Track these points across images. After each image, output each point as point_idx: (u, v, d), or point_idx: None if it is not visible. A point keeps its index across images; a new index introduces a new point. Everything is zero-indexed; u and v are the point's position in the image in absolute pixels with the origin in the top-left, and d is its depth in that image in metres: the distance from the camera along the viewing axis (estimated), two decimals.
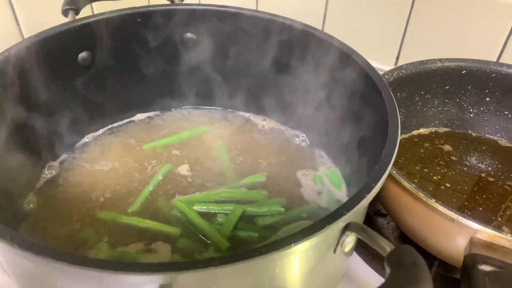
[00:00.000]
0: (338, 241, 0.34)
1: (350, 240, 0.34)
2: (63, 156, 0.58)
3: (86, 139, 0.60)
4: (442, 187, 0.61)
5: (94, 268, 0.26)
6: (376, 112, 0.45)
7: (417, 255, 0.28)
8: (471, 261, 0.40)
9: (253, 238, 0.49)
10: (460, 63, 0.65)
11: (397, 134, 0.38)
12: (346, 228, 0.33)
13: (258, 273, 0.32)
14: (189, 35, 0.60)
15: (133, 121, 0.64)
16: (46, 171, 0.55)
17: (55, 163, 0.57)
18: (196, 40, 0.61)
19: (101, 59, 0.56)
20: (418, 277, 0.26)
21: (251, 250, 0.28)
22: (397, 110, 0.41)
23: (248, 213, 0.51)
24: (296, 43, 0.55)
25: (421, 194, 0.44)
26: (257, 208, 0.52)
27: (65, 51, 0.53)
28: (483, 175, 0.63)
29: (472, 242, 0.42)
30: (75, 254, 0.27)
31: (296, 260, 0.33)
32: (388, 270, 0.28)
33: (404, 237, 0.55)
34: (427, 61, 0.65)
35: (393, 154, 0.36)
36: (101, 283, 0.29)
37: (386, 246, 0.30)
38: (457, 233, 0.44)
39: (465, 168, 0.64)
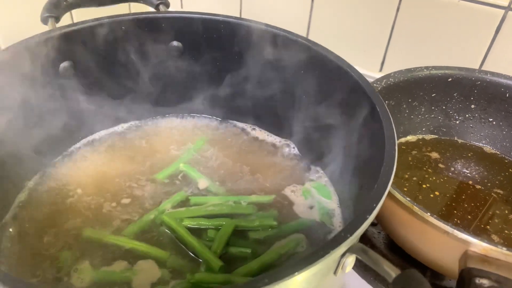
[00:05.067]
0: (339, 263, 0.33)
1: (350, 261, 0.33)
2: (42, 172, 0.55)
3: (66, 152, 0.58)
4: (431, 195, 0.61)
5: None
6: (370, 125, 0.44)
7: (423, 280, 0.28)
8: (467, 275, 0.40)
9: (245, 254, 0.48)
10: (446, 71, 0.66)
11: (395, 151, 0.37)
12: (348, 250, 0.32)
13: None
14: (174, 43, 0.58)
15: (116, 131, 0.62)
16: (23, 188, 0.53)
17: (33, 180, 0.54)
18: (181, 48, 0.59)
19: (83, 69, 0.54)
20: None
21: (253, 281, 0.27)
22: (393, 126, 0.41)
23: (239, 227, 0.50)
24: (285, 52, 0.54)
25: (416, 208, 0.44)
26: (249, 222, 0.50)
27: (45, 61, 0.50)
28: (470, 182, 0.63)
29: (467, 255, 0.42)
30: None
31: (297, 286, 0.32)
32: None
33: (395, 247, 0.55)
34: (415, 69, 0.65)
35: (391, 172, 0.35)
36: None
37: (390, 271, 0.29)
38: (451, 246, 0.44)
39: (453, 175, 0.64)
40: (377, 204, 0.32)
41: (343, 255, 0.32)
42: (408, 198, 0.45)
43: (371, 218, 0.32)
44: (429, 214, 0.43)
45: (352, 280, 0.55)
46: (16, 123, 0.49)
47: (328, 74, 0.50)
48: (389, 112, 0.42)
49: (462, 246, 0.43)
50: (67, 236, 0.48)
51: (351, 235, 0.30)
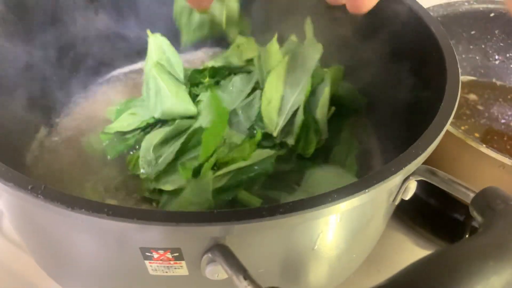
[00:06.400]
0: (400, 188, 0.30)
1: (412, 186, 0.31)
2: (62, 110, 0.52)
3: (84, 91, 0.54)
4: (471, 136, 0.57)
5: (139, 219, 0.22)
6: (421, 52, 0.40)
7: (508, 194, 0.25)
8: None
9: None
10: (489, 5, 0.61)
11: (458, 70, 0.34)
12: (413, 173, 0.29)
13: (318, 223, 0.28)
14: None
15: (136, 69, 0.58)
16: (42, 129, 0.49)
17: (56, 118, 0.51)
18: None
19: None
20: None
21: (321, 196, 0.24)
22: (451, 44, 0.37)
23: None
24: None
25: (470, 140, 0.41)
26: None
27: None
28: (511, 124, 0.60)
29: None
30: (115, 205, 0.22)
31: (360, 208, 0.29)
32: (479, 218, 0.24)
33: (435, 190, 0.52)
34: (455, 3, 0.60)
35: (458, 90, 0.32)
36: (140, 238, 0.25)
37: (467, 191, 0.26)
38: (506, 180, 0.41)
39: (492, 117, 0.61)
40: (447, 120, 0.29)
41: (407, 177, 0.29)
42: (461, 130, 0.42)
43: (441, 135, 0.28)
44: (484, 145, 0.40)
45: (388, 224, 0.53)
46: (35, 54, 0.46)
47: None
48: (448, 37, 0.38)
49: None
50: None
51: (422, 152, 0.27)
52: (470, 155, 0.42)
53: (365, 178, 0.25)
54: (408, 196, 0.31)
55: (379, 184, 0.25)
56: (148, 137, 0.42)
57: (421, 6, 0.42)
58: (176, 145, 0.41)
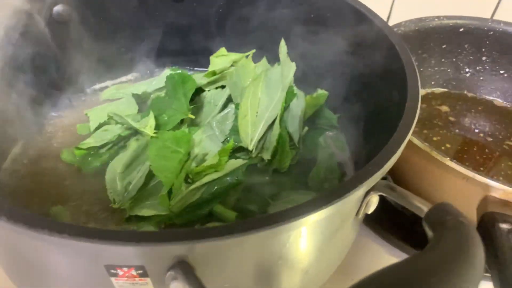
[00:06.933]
0: (362, 202, 0.31)
1: (375, 200, 0.32)
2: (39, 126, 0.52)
3: (63, 106, 0.55)
4: (442, 147, 0.59)
5: (100, 240, 0.23)
6: (386, 67, 0.42)
7: (460, 212, 0.26)
8: (490, 219, 0.39)
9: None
10: (458, 21, 0.63)
11: (418, 86, 0.35)
12: (373, 188, 0.30)
13: (280, 239, 0.28)
14: None
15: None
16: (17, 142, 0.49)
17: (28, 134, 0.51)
18: None
19: (79, 14, 0.50)
20: (469, 236, 0.23)
21: (279, 213, 0.25)
22: (413, 60, 0.38)
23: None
24: None
25: (435, 153, 0.42)
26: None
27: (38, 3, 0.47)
28: (481, 135, 0.62)
29: (488, 200, 0.41)
30: (76, 225, 0.23)
31: (321, 223, 0.30)
32: (430, 232, 0.25)
33: None
34: (426, 18, 0.62)
35: (417, 107, 0.33)
36: (104, 256, 0.25)
37: (422, 206, 0.28)
38: (470, 191, 0.42)
39: (464, 128, 0.62)
40: (405, 137, 0.30)
41: (368, 192, 0.30)
42: (426, 143, 0.43)
43: (399, 152, 0.30)
44: (448, 158, 0.42)
45: (363, 234, 0.54)
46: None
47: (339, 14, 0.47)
48: (409, 53, 0.39)
49: (482, 192, 0.41)
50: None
51: (379, 169, 0.28)
52: (436, 167, 0.43)
53: (324, 195, 0.26)
54: (370, 210, 0.32)
55: (337, 200, 0.26)
56: (110, 166, 0.43)
57: (387, 25, 0.43)
58: (143, 169, 0.42)
